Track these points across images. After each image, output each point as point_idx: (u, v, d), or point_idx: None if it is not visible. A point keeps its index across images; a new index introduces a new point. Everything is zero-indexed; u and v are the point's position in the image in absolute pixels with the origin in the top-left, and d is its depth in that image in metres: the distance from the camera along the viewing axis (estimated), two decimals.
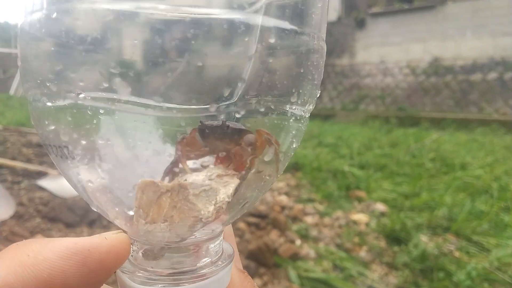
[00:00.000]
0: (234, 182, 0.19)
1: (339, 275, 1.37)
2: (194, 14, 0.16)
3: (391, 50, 6.93)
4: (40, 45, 0.18)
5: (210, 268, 0.20)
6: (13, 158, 2.17)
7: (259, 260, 1.40)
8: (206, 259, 0.20)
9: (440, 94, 6.28)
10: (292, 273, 1.34)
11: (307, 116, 0.22)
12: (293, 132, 0.21)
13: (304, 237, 1.67)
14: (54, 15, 0.16)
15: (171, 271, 0.19)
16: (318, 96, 0.23)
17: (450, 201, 2.02)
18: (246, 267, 1.34)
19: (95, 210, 0.21)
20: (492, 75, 5.91)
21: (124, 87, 0.16)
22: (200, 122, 0.18)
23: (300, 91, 0.20)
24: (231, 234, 0.25)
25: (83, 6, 0.16)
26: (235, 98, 0.17)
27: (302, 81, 0.20)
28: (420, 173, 2.64)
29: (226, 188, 0.19)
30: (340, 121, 6.21)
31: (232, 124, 0.19)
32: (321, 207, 2.05)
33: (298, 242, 1.61)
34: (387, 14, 6.93)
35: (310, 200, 2.16)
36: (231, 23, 0.16)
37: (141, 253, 0.19)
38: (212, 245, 0.21)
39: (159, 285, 0.19)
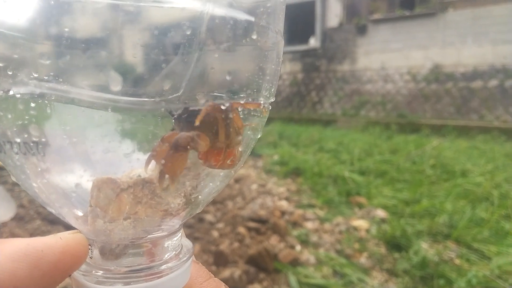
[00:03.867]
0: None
1: (339, 281, 1.37)
2: (135, 1, 0.15)
3: (392, 57, 6.95)
4: None
5: (169, 264, 0.19)
6: None
7: (259, 265, 1.39)
8: (165, 255, 0.20)
9: (440, 101, 6.29)
10: (292, 279, 1.34)
11: (266, 110, 0.21)
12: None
13: (304, 242, 1.67)
14: None
15: (128, 269, 0.18)
16: (273, 91, 0.21)
17: (450, 208, 2.01)
18: (246, 272, 1.34)
19: (52, 211, 0.19)
20: (493, 83, 5.93)
21: (58, 78, 0.15)
22: (170, 113, 0.17)
23: (250, 87, 0.19)
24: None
25: None
26: (179, 92, 0.16)
27: (253, 77, 0.19)
28: (421, 180, 2.63)
29: (191, 180, 0.18)
30: (341, 127, 6.21)
31: (192, 108, 0.17)
32: (321, 213, 2.05)
33: (298, 247, 1.61)
34: (388, 21, 6.97)
35: (311, 206, 2.16)
36: (175, 11, 0.15)
37: (99, 253, 0.18)
38: (171, 242, 0.20)
39: (117, 284, 0.18)
